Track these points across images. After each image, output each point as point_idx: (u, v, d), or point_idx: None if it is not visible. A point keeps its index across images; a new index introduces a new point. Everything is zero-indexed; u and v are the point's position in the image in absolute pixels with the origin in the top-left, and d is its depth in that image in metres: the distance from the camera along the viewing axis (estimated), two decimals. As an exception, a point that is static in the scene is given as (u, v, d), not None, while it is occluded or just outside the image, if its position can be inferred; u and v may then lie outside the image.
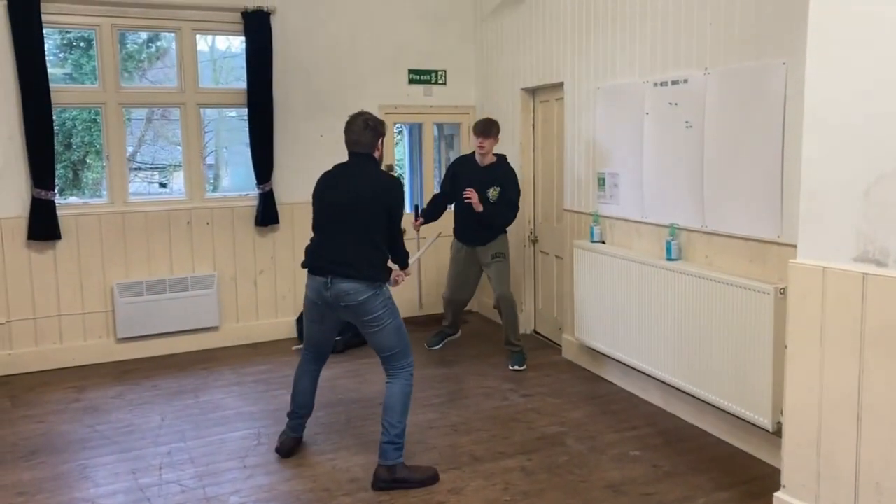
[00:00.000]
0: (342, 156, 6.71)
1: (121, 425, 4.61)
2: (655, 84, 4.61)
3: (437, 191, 6.37)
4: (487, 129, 5.44)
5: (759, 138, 3.86)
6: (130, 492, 3.75)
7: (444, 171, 7.60)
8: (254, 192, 6.31)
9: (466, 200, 5.37)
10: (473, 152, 5.59)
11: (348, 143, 3.95)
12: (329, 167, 6.72)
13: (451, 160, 7.48)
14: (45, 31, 5.48)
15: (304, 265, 3.87)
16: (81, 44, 9.15)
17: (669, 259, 4.47)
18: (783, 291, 3.55)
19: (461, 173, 5.58)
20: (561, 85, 5.72)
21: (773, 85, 3.76)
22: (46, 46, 5.54)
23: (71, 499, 3.68)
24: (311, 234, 3.96)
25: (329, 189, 3.89)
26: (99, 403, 4.99)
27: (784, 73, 3.68)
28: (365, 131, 3.90)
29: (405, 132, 7.88)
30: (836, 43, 2.92)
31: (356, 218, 3.76)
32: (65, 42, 9.37)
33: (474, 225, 5.51)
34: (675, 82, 4.45)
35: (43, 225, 5.57)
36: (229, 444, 4.31)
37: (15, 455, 4.19)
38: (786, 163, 3.71)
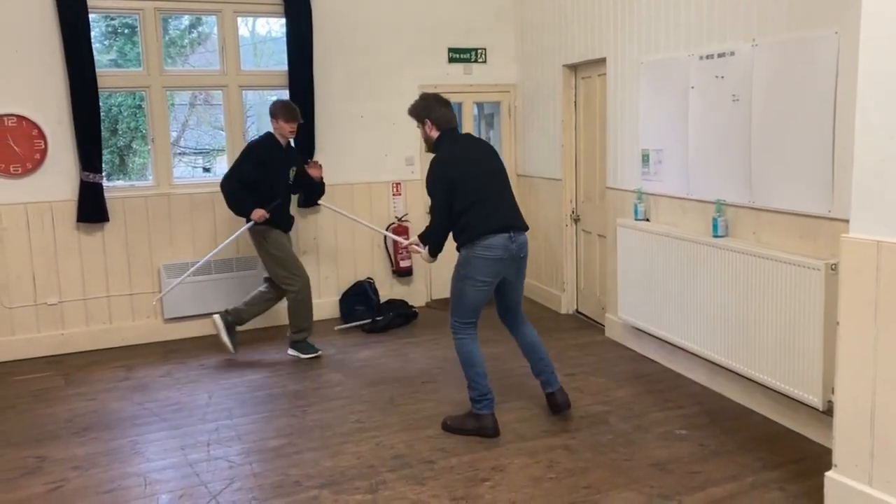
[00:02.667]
0: (382, 136, 6.78)
1: (169, 403, 4.71)
2: (701, 57, 4.51)
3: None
4: (298, 113, 5.36)
5: (810, 111, 3.76)
6: (180, 467, 3.83)
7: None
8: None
9: (318, 177, 5.69)
10: (268, 137, 5.35)
11: (447, 120, 4.18)
12: (369, 147, 6.77)
13: (490, 139, 7.45)
14: (90, 16, 5.57)
15: (486, 231, 3.94)
16: (126, 30, 9.28)
17: (716, 236, 4.39)
18: (834, 267, 3.46)
19: (273, 158, 5.33)
20: (603, 60, 5.63)
21: (824, 55, 3.64)
22: (93, 34, 5.63)
23: (123, 473, 3.78)
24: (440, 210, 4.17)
25: (474, 160, 4.10)
26: (148, 382, 5.10)
27: (836, 43, 3.57)
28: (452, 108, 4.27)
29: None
30: (892, 8, 2.82)
31: (502, 179, 4.19)
32: (110, 29, 9.52)
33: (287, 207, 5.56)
34: (721, 55, 4.35)
35: (91, 207, 5.69)
36: (275, 422, 4.37)
37: (69, 431, 4.31)
38: (837, 135, 3.60)
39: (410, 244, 4.75)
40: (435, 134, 4.15)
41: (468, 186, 3.98)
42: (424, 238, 4.36)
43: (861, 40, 2.93)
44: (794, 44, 3.83)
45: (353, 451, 3.94)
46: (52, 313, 5.73)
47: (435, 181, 4.03)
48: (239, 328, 5.63)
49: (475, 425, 4.08)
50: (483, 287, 4.03)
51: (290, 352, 5.53)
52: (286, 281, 5.36)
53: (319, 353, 5.51)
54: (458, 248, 4.09)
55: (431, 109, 4.13)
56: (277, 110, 5.31)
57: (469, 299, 4.06)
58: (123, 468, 3.83)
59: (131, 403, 4.72)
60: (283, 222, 5.44)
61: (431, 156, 4.20)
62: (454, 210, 3.99)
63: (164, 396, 4.82)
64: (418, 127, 4.25)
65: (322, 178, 5.76)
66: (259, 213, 5.20)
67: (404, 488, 3.53)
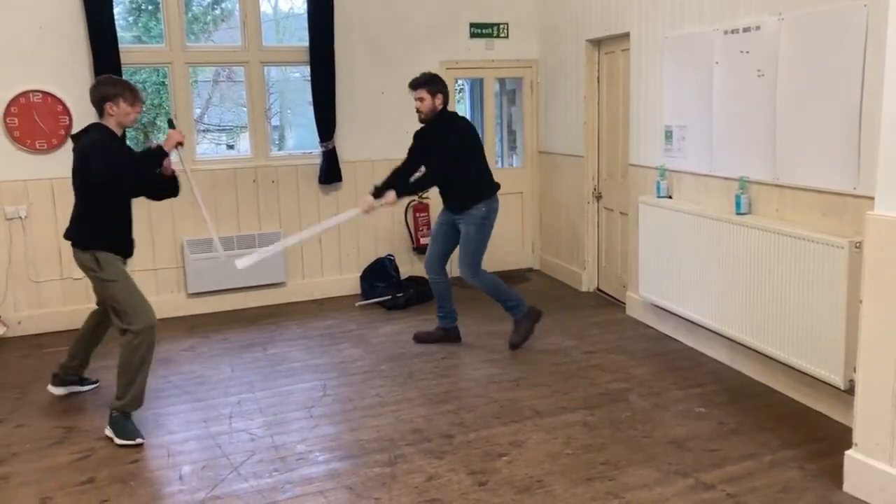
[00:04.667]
0: (403, 113, 6.73)
1: (192, 376, 4.78)
2: (726, 32, 4.43)
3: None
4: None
5: (837, 86, 3.69)
6: (202, 439, 3.89)
7: (506, 128, 7.53)
8: (317, 150, 6.37)
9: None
10: (103, 133, 4.06)
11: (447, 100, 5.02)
12: (390, 124, 6.74)
13: (511, 115, 7.41)
14: (113, -8, 5.60)
15: (496, 188, 4.97)
16: (149, 7, 9.30)
17: (739, 213, 4.34)
18: (858, 245, 3.41)
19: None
20: (627, 35, 5.56)
21: (852, 28, 3.57)
22: (116, 10, 5.65)
23: (147, 445, 3.84)
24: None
25: (466, 133, 4.95)
26: (172, 356, 5.17)
27: (865, 15, 3.49)
28: None
29: (466, 88, 7.81)
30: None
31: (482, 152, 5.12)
32: (134, 6, 9.55)
33: None
34: (746, 29, 4.27)
35: (116, 183, 5.71)
36: (296, 395, 4.42)
37: (95, 403, 4.39)
38: (864, 111, 3.53)
39: (368, 206, 4.89)
40: (440, 107, 4.86)
41: (471, 153, 4.85)
42: (419, 184, 5.02)
43: (890, 12, 2.87)
44: (821, 17, 3.76)
45: (372, 425, 3.98)
46: (78, 287, 5.81)
47: (449, 141, 4.80)
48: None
49: (529, 322, 5.09)
50: None
51: (108, 431, 3.91)
52: (126, 319, 3.92)
53: (141, 441, 3.83)
54: (466, 207, 4.85)
55: (445, 87, 4.91)
56: (123, 90, 3.93)
57: (485, 245, 4.96)
58: (147, 440, 3.89)
59: (155, 377, 4.76)
60: (123, 243, 4.33)
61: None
62: (454, 167, 4.77)
63: (187, 370, 4.89)
64: (422, 98, 4.84)
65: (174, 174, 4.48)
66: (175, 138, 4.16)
67: (422, 462, 3.56)
